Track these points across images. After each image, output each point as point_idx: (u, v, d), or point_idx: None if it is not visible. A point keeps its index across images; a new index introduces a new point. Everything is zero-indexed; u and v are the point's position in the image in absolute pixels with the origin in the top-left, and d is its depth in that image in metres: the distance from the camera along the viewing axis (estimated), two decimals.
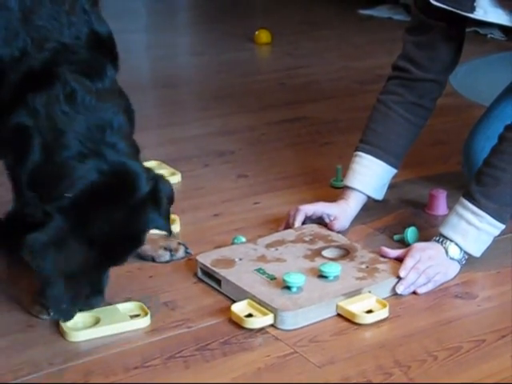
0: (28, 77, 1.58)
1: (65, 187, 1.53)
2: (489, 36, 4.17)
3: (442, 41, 2.07)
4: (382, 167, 2.13)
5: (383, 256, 1.92)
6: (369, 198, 2.14)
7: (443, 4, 1.93)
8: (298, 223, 2.07)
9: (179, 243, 2.01)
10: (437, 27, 2.05)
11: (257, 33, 4.37)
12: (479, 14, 1.91)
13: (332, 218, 2.09)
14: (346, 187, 2.15)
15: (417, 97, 2.12)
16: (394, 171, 2.16)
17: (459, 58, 2.14)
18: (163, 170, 2.53)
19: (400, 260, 1.88)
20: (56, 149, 1.55)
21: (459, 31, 2.09)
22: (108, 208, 1.57)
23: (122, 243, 1.62)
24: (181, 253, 1.99)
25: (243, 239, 2.02)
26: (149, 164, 2.55)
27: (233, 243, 2.01)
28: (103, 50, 1.67)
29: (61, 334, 1.67)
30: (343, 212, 2.11)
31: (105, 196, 1.56)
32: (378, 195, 2.16)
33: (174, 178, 2.47)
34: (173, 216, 2.18)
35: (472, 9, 1.90)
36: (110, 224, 1.57)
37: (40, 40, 1.59)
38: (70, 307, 1.61)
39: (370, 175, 2.12)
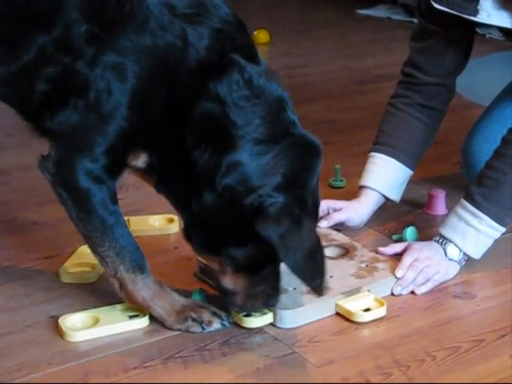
0: (203, 66, 1.56)
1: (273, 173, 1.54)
2: (488, 36, 4.17)
3: (445, 46, 2.07)
4: (395, 165, 2.11)
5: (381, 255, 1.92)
6: (384, 197, 2.12)
7: (446, 7, 1.92)
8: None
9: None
10: (440, 33, 2.05)
11: (255, 33, 4.37)
12: (483, 17, 1.89)
13: (337, 210, 2.07)
14: (359, 187, 2.13)
15: (425, 99, 2.12)
16: (408, 171, 2.14)
17: (467, 61, 2.14)
18: None
19: (398, 257, 1.88)
20: (252, 136, 1.55)
21: (465, 35, 2.08)
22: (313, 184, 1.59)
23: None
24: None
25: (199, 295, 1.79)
26: None
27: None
28: (245, 31, 1.64)
29: (60, 334, 1.67)
30: (352, 207, 2.08)
31: (308, 172, 1.59)
32: (394, 195, 2.13)
33: None
34: (172, 216, 2.18)
35: (475, 12, 1.89)
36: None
37: (195, 27, 1.56)
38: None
39: (382, 173, 2.10)
